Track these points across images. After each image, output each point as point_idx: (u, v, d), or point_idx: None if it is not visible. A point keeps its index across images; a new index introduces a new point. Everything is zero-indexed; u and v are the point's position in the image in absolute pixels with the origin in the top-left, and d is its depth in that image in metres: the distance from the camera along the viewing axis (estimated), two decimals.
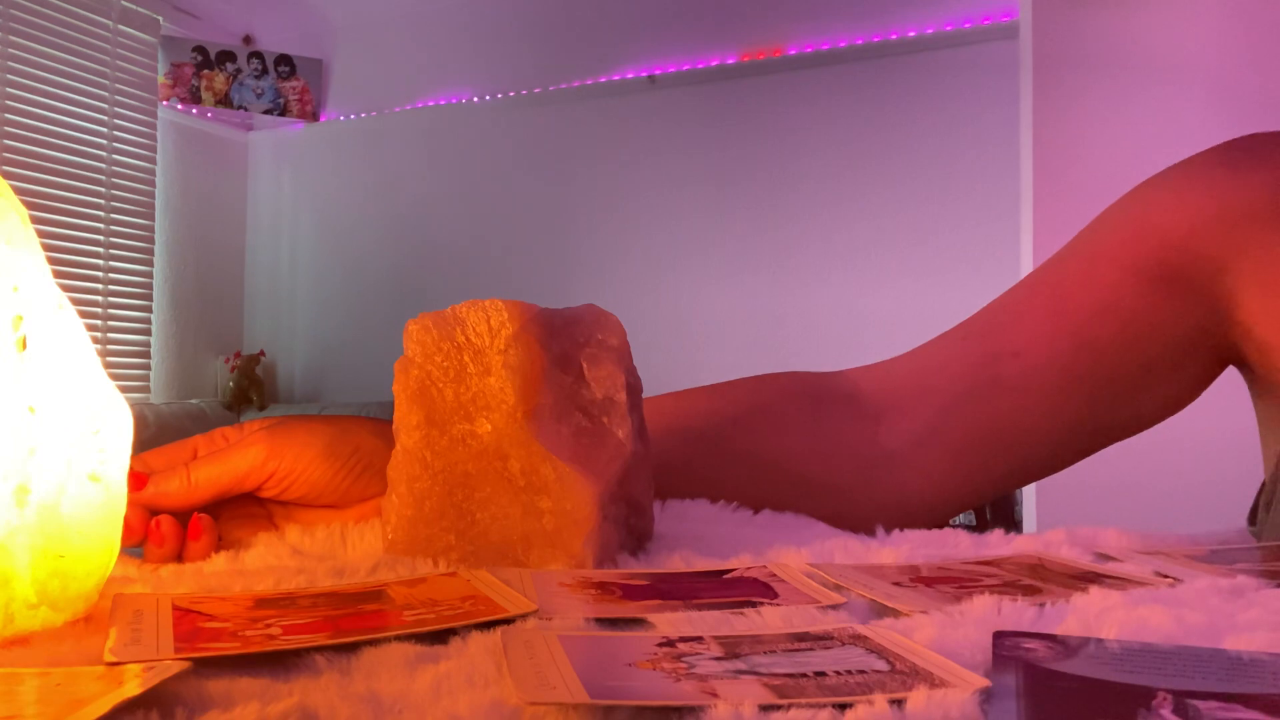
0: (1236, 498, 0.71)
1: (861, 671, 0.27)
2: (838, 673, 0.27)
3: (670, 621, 0.34)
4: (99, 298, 3.49)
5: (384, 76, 3.91)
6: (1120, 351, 0.60)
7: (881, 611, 0.35)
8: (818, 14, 3.26)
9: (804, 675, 0.27)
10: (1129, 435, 0.64)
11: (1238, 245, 0.58)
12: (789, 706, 0.24)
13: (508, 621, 0.34)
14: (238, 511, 0.52)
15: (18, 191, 0.36)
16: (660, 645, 0.30)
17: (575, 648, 0.29)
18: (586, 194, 3.58)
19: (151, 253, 3.69)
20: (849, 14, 3.21)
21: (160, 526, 0.47)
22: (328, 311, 4.00)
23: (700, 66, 3.41)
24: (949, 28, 3.07)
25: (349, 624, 0.33)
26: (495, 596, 0.37)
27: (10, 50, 3.20)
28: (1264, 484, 0.61)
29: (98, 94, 3.48)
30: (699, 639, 0.30)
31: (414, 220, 3.84)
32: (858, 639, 0.30)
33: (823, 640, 0.30)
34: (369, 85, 3.94)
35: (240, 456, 0.50)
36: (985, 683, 0.25)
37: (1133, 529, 0.49)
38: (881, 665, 0.27)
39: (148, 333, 3.68)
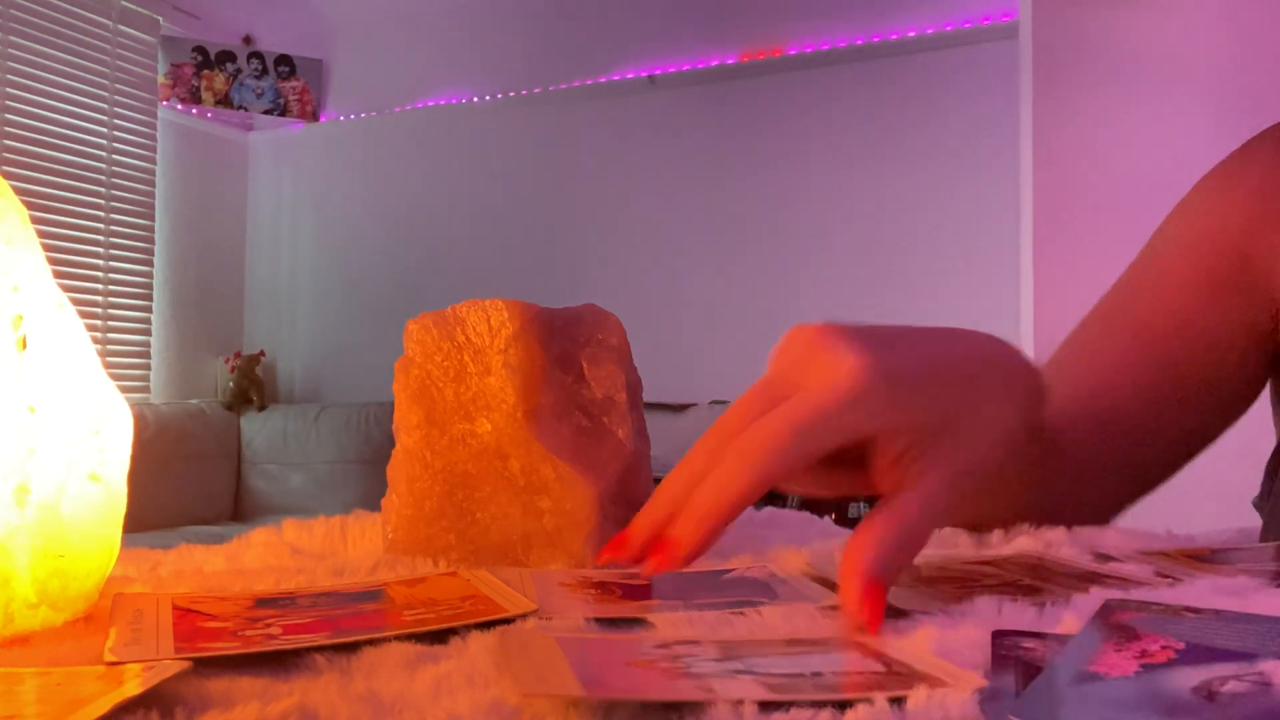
0: (1237, 498, 0.71)
1: (860, 672, 0.27)
2: (836, 673, 0.27)
3: (670, 621, 0.34)
4: (99, 298, 3.49)
5: (384, 76, 3.91)
6: (1196, 367, 0.60)
7: None
8: (817, 14, 3.26)
9: (802, 675, 0.27)
10: (1204, 447, 0.63)
11: None
12: (788, 706, 0.24)
13: (508, 621, 0.34)
14: None
15: (18, 191, 0.36)
16: (659, 645, 0.30)
17: (574, 648, 0.29)
18: (586, 194, 3.58)
19: (151, 253, 3.69)
20: (849, 14, 3.21)
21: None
22: (328, 311, 4.00)
23: (700, 66, 3.41)
24: (949, 28, 3.07)
25: (349, 624, 0.33)
26: (495, 596, 0.37)
27: (10, 50, 3.20)
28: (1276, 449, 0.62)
29: (98, 94, 3.48)
30: (698, 640, 0.30)
31: (414, 220, 3.84)
32: (857, 639, 0.30)
33: (822, 640, 0.30)
34: (369, 85, 3.94)
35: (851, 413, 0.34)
36: (984, 682, 0.25)
37: (1133, 529, 0.49)
38: (880, 665, 0.27)
39: (148, 333, 3.68)
